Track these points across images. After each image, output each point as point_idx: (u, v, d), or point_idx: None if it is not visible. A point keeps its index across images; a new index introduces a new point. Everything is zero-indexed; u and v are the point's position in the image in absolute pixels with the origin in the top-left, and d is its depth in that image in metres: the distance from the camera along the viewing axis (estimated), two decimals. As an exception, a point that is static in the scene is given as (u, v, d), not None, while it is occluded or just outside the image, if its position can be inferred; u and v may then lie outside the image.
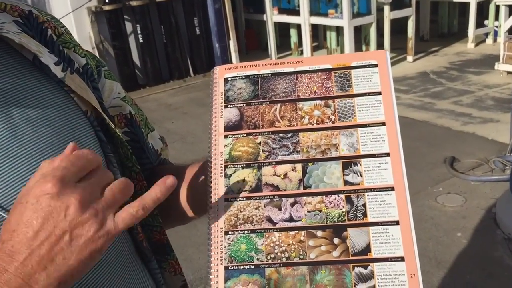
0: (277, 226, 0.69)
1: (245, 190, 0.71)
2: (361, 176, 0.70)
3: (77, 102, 0.75)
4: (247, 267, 0.68)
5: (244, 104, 0.77)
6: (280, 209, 0.70)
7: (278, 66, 0.79)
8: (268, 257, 0.68)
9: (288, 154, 0.73)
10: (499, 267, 3.00)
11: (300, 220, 0.69)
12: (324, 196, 0.70)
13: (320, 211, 0.69)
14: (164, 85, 7.50)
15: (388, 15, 7.21)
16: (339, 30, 7.58)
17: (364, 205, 0.69)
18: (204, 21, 7.57)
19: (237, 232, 0.70)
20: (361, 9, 7.12)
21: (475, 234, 3.33)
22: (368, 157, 0.71)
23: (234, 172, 0.73)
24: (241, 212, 0.71)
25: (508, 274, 2.91)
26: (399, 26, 8.05)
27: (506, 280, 2.87)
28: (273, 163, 0.73)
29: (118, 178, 0.60)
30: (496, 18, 8.19)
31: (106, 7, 6.88)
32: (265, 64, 0.80)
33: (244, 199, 0.71)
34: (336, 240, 0.68)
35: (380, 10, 7.21)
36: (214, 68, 0.81)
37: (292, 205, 0.70)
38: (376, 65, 0.77)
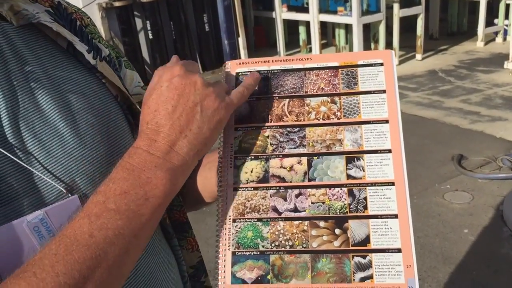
0: (282, 215, 0.72)
1: (253, 181, 0.75)
2: (364, 170, 0.73)
3: (108, 87, 0.78)
4: (253, 253, 0.71)
5: (254, 99, 0.79)
6: (285, 199, 0.73)
7: (288, 63, 0.81)
8: (273, 245, 0.71)
9: (295, 148, 0.76)
10: (505, 263, 3.01)
11: (304, 211, 0.72)
12: (327, 188, 0.73)
13: (323, 203, 0.72)
14: (173, 81, 7.51)
15: (398, 13, 7.18)
16: (348, 27, 7.57)
17: (365, 198, 0.72)
18: (213, 17, 7.60)
19: (244, 220, 0.73)
20: (370, 6, 7.09)
21: (482, 231, 3.34)
22: (370, 152, 0.74)
23: (243, 163, 0.76)
24: (248, 201, 0.74)
25: (513, 271, 2.93)
26: (408, 24, 8.02)
27: None
28: (280, 156, 0.75)
29: None
30: (506, 16, 8.15)
31: (117, 3, 6.92)
32: (275, 61, 0.82)
33: (252, 189, 0.74)
34: (337, 231, 0.71)
35: (389, 8, 7.18)
36: (226, 62, 0.83)
37: (297, 196, 0.73)
38: (382, 64, 0.78)
